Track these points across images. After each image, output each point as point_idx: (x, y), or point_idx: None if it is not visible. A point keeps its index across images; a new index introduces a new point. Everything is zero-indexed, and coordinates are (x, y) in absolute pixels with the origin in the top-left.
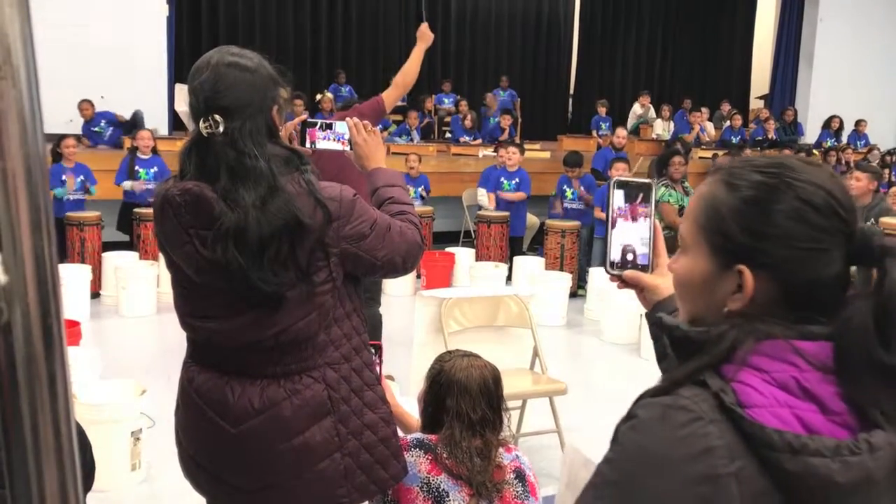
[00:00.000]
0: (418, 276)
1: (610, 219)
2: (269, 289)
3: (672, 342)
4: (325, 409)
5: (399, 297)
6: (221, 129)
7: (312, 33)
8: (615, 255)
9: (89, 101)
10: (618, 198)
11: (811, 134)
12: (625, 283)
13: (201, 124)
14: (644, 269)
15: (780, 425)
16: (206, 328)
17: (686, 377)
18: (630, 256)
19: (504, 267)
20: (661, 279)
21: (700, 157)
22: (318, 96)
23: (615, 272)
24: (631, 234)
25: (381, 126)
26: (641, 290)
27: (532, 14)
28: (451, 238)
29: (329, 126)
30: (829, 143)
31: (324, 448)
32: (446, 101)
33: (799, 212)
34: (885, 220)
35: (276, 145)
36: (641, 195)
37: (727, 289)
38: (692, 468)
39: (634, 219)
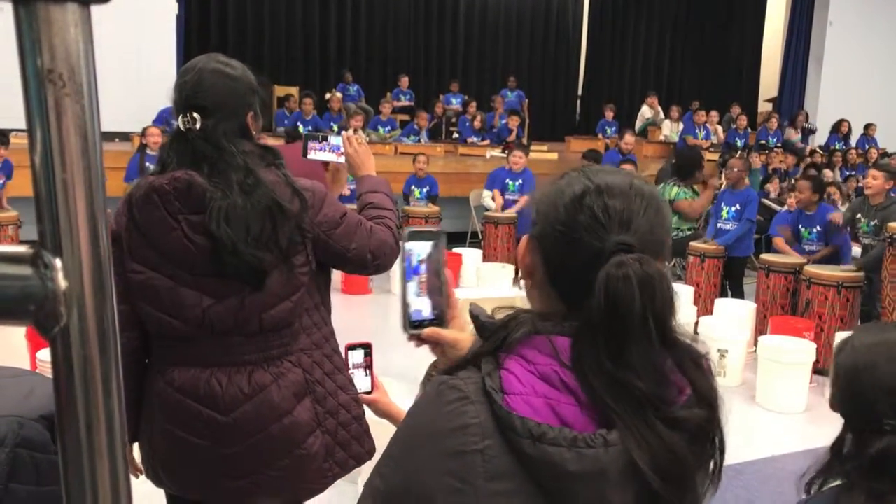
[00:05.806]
0: None
1: (403, 274)
2: (254, 262)
3: (476, 330)
4: (304, 390)
5: None
6: (198, 125)
7: (321, 33)
8: (412, 312)
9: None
10: (410, 251)
11: (820, 137)
12: (423, 340)
13: (180, 119)
14: (441, 324)
15: (530, 413)
16: (197, 317)
17: (470, 360)
18: (426, 313)
19: (511, 268)
20: (460, 333)
21: (708, 160)
22: (328, 95)
23: (414, 331)
24: (425, 288)
25: (389, 127)
26: (439, 346)
27: (541, 14)
28: (458, 239)
29: (325, 138)
30: (837, 147)
31: (308, 426)
32: (454, 101)
33: (573, 201)
34: (892, 224)
35: (249, 143)
36: (432, 245)
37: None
38: (447, 442)
39: (429, 272)
